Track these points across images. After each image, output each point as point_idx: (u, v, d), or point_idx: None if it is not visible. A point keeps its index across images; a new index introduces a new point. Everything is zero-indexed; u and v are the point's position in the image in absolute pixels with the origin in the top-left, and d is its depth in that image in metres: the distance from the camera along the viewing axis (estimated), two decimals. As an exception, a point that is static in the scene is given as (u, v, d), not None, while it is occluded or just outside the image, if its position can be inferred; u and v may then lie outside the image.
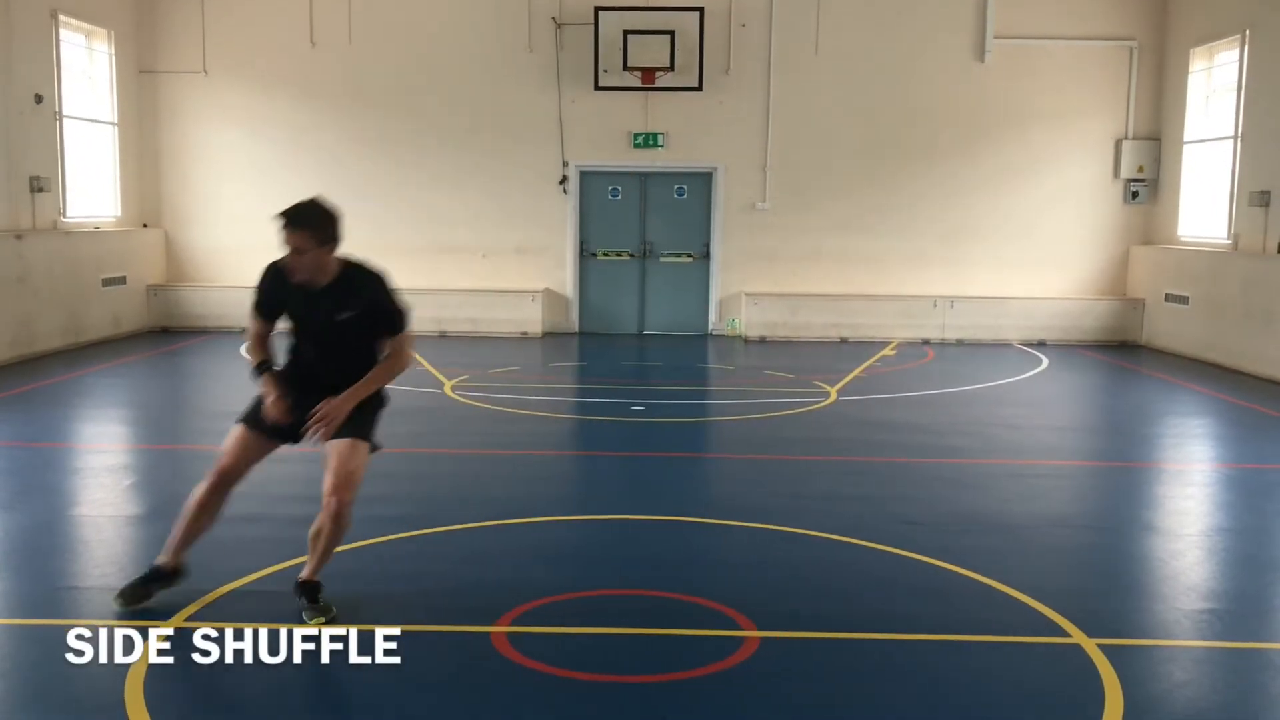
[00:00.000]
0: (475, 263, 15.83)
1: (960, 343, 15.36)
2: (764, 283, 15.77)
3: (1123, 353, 14.71)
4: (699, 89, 14.97)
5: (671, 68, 14.78)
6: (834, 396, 10.91)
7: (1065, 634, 4.82)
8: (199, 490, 4.98)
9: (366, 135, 15.67)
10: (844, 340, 15.33)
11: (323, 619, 4.76)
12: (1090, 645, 4.68)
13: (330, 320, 4.86)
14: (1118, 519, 6.97)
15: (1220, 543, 6.39)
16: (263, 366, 5.00)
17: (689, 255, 15.99)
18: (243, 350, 5.02)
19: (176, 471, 7.86)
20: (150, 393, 11.55)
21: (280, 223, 4.72)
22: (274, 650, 4.59)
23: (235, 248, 15.86)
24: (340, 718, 4.01)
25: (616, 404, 10.46)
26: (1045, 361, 13.76)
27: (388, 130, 15.67)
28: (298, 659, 4.51)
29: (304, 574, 4.93)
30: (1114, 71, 15.49)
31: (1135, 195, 15.59)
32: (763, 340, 15.37)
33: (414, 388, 11.13)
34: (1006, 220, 15.75)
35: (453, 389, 11.02)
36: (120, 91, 15.17)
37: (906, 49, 15.48)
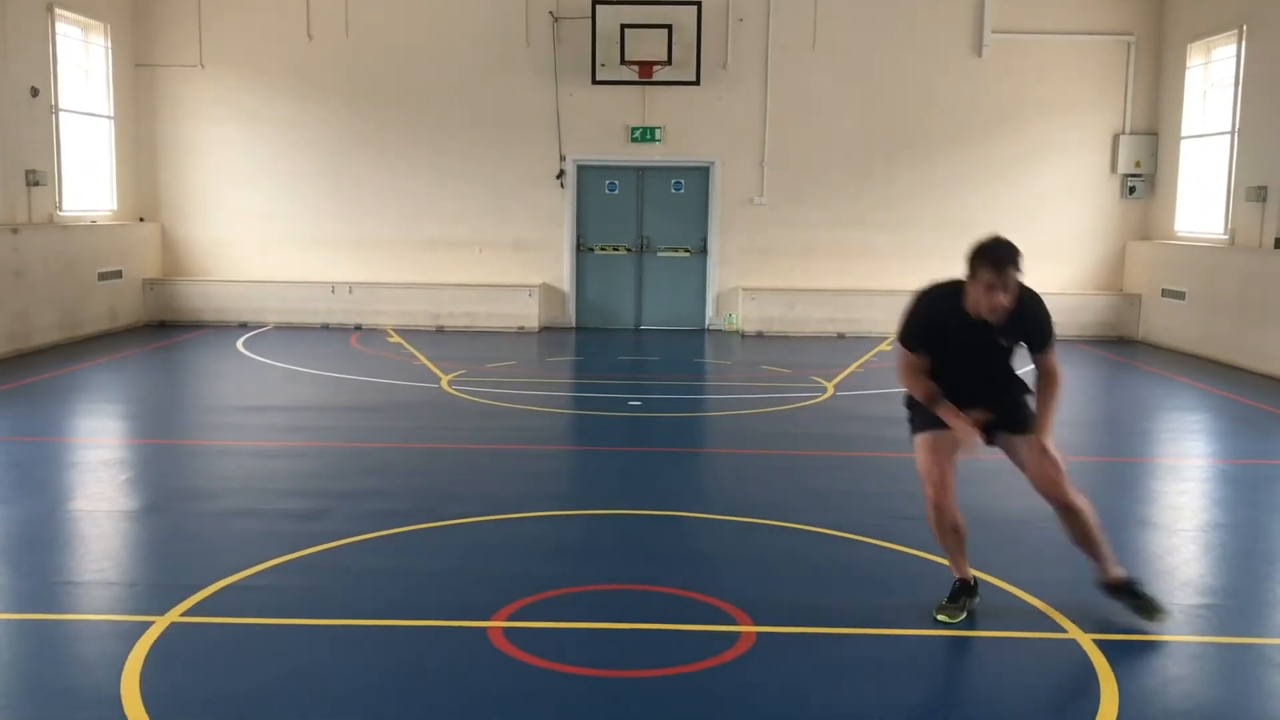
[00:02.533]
0: (472, 257, 15.83)
1: (957, 337, 15.35)
2: (761, 277, 15.77)
3: (1119, 348, 14.72)
4: (696, 83, 14.95)
5: (669, 62, 14.76)
6: (831, 391, 10.92)
7: (1060, 629, 4.83)
8: (931, 519, 4.92)
9: (363, 129, 15.65)
10: (841, 335, 15.33)
11: (1160, 613, 4.80)
12: (1085, 640, 4.69)
13: (995, 345, 4.80)
14: (1113, 514, 6.96)
15: (1215, 538, 6.41)
16: (937, 396, 4.81)
17: (686, 250, 15.99)
18: (900, 384, 4.85)
19: (173, 466, 7.87)
20: (147, 387, 11.54)
21: (993, 262, 4.56)
22: (270, 646, 4.61)
23: (232, 241, 15.87)
24: (336, 713, 4.01)
25: (613, 399, 10.47)
26: (1042, 356, 13.74)
27: (384, 124, 15.65)
28: (294, 656, 4.52)
29: (1108, 576, 4.92)
30: (1111, 66, 15.49)
31: (1132, 190, 15.59)
32: (760, 335, 15.37)
33: (411, 382, 11.14)
34: (1003, 215, 15.70)
35: (449, 384, 11.02)
36: (116, 85, 15.14)
37: (904, 43, 15.47)
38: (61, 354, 12.67)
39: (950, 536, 4.94)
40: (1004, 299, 4.57)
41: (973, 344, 4.79)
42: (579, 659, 4.47)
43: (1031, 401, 4.93)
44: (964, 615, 4.90)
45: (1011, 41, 15.40)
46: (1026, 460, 4.85)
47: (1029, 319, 4.76)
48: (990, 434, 4.93)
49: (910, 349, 4.86)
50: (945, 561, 5.17)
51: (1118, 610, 5.15)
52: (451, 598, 5.11)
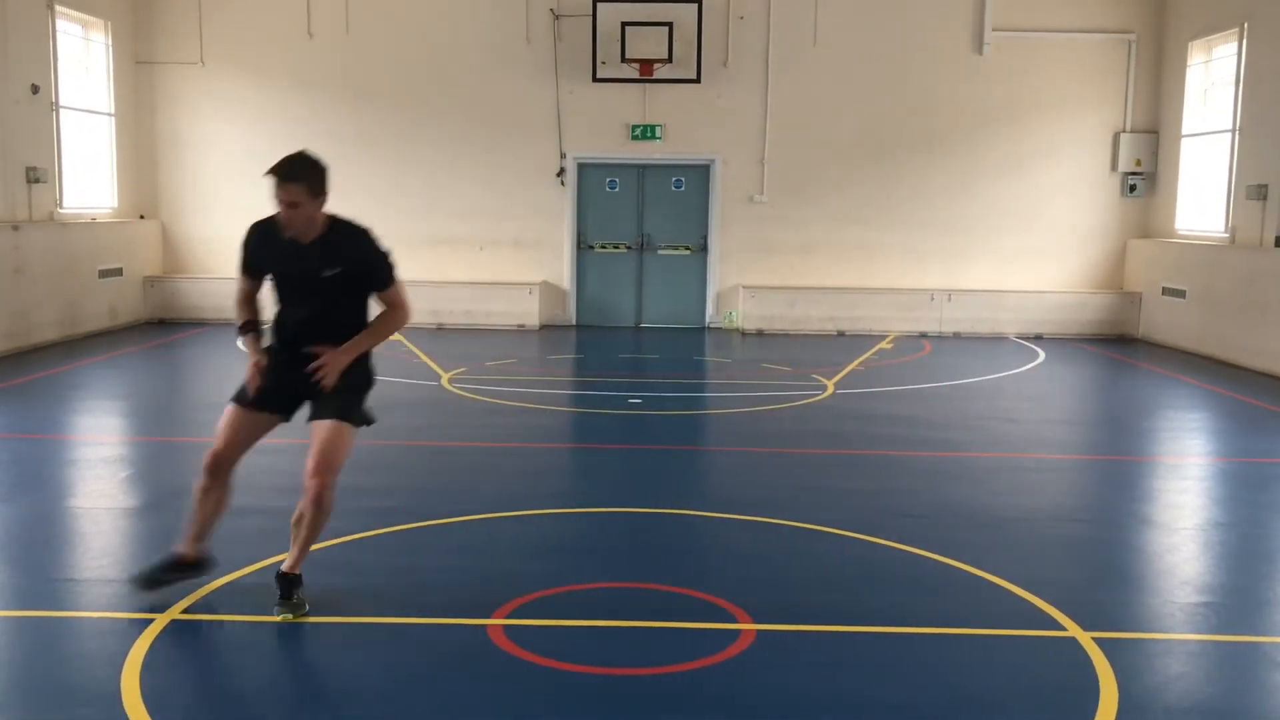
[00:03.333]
0: (473, 255, 15.83)
1: (957, 336, 15.37)
2: (761, 275, 15.76)
3: (1120, 346, 14.72)
4: (697, 81, 14.95)
5: (669, 60, 14.76)
6: (831, 389, 10.92)
7: (1061, 627, 4.83)
8: (198, 478, 4.94)
9: (363, 127, 15.64)
10: (841, 333, 15.33)
11: (290, 615, 4.72)
12: (1085, 639, 4.69)
13: (317, 275, 4.77)
14: (1113, 512, 6.98)
15: (1216, 536, 6.41)
16: (247, 326, 4.94)
17: (686, 248, 15.98)
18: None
19: (173, 463, 7.86)
20: (147, 384, 11.54)
21: (272, 177, 4.68)
22: (270, 643, 4.60)
23: (232, 239, 15.60)
24: (335, 710, 4.01)
25: (613, 397, 10.46)
26: (1042, 355, 13.77)
27: (385, 122, 15.65)
28: (293, 652, 4.52)
29: (285, 565, 4.86)
30: (1112, 64, 15.48)
31: (1133, 188, 15.59)
32: (760, 333, 15.37)
33: (411, 380, 11.14)
34: (1004, 213, 15.75)
35: (450, 382, 11.01)
36: (117, 82, 15.14)
37: (905, 41, 15.47)
38: (62, 351, 12.67)
39: (210, 506, 4.92)
40: (290, 214, 4.67)
41: (295, 272, 4.82)
42: (579, 657, 4.46)
43: (360, 387, 4.92)
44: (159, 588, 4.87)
45: (1012, 39, 15.39)
46: (314, 439, 4.76)
47: (350, 249, 4.81)
48: (295, 407, 4.93)
49: (240, 274, 4.97)
50: (946, 559, 5.17)
51: (1118, 609, 5.16)
52: (452, 595, 5.11)
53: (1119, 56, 15.47)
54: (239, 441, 4.91)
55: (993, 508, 6.91)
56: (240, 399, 4.90)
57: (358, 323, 4.90)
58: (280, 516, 6.31)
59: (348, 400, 4.83)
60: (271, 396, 4.85)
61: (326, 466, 4.71)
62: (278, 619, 4.72)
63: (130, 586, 4.95)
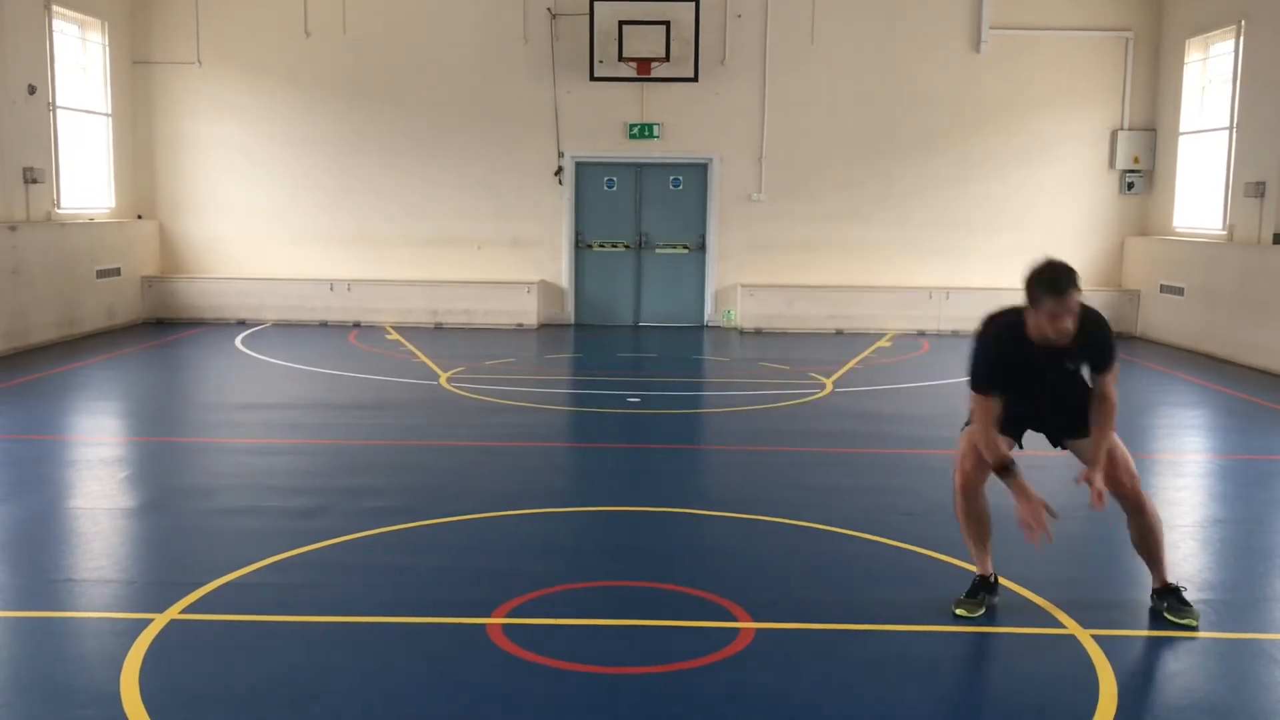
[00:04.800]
0: (470, 254, 15.82)
1: (956, 334, 15.36)
2: (759, 274, 15.77)
3: (1118, 343, 14.70)
4: (695, 80, 14.94)
5: (667, 58, 14.75)
6: (829, 388, 10.92)
7: (1060, 624, 4.83)
8: (958, 505, 5.02)
9: (361, 126, 15.64)
10: (839, 331, 15.33)
11: (1193, 622, 4.79)
12: (1084, 636, 4.70)
13: (1058, 370, 4.71)
14: (1112, 510, 6.96)
15: (1214, 533, 6.41)
16: (1010, 468, 4.70)
17: (684, 246, 15.98)
18: (960, 441, 4.93)
19: (171, 464, 7.87)
20: (145, 385, 11.53)
21: (1053, 289, 4.42)
22: (269, 643, 4.61)
23: (230, 238, 15.86)
24: (334, 710, 4.01)
25: (612, 395, 10.46)
26: (1040, 352, 13.75)
27: (382, 121, 15.64)
28: (293, 653, 4.52)
29: (1156, 582, 4.98)
30: (1110, 62, 15.49)
31: (1131, 186, 15.60)
32: (758, 332, 15.37)
33: (410, 380, 11.14)
34: (1002, 211, 15.75)
35: (448, 381, 11.01)
36: (114, 82, 15.13)
37: (902, 39, 15.47)
38: (60, 352, 12.67)
39: (971, 523, 5.01)
40: (1069, 323, 4.48)
41: (1040, 373, 4.70)
42: (578, 655, 4.47)
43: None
44: (981, 611, 4.92)
45: (1010, 37, 15.39)
46: (1097, 455, 4.78)
47: (1093, 340, 4.68)
48: (1056, 439, 5.01)
49: (982, 391, 4.67)
50: (945, 557, 5.18)
51: (1117, 606, 5.16)
52: (450, 594, 5.12)
53: (1117, 54, 15.47)
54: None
55: (992, 506, 6.90)
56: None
57: (1082, 390, 4.88)
58: (280, 516, 6.33)
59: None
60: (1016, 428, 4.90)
61: (1129, 473, 4.86)
62: (1182, 624, 4.80)
63: (957, 611, 4.91)
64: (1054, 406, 4.85)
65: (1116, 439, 4.83)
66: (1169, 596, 4.92)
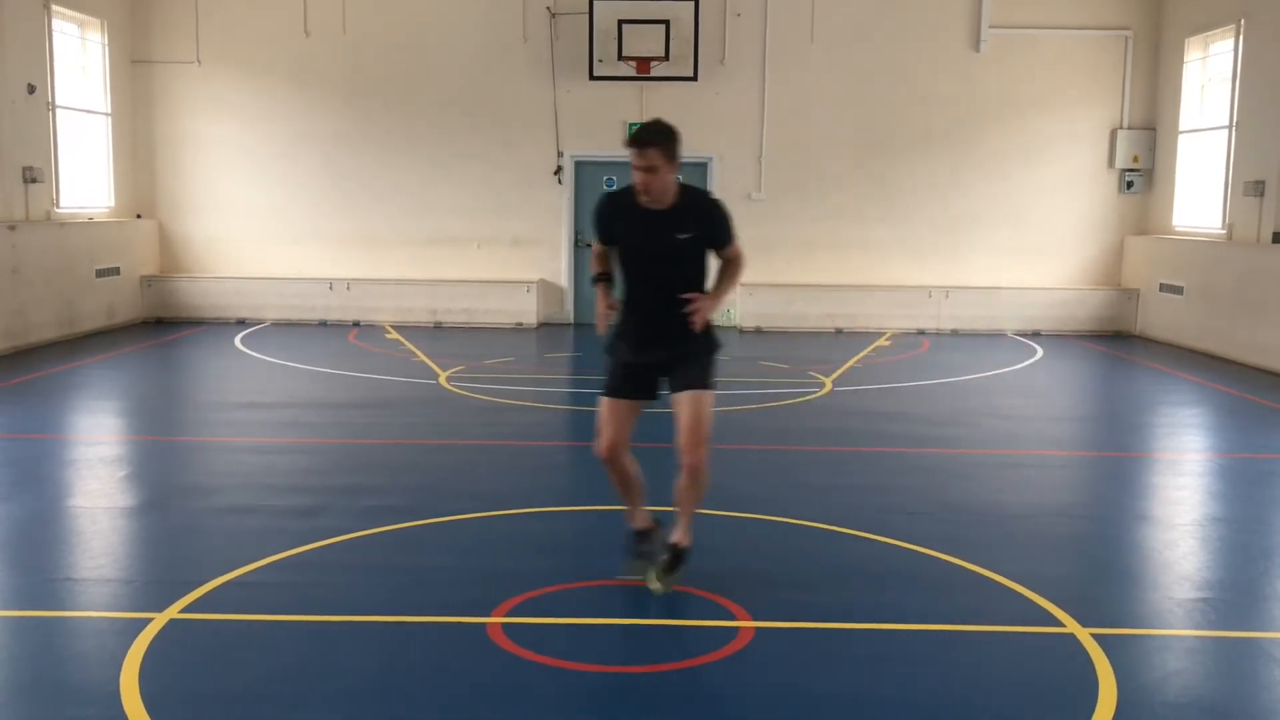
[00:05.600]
0: (470, 253, 15.82)
1: (955, 333, 15.38)
2: (759, 273, 15.69)
3: (1117, 343, 14.73)
4: (694, 79, 14.94)
5: (666, 57, 14.75)
6: (829, 387, 10.92)
7: (1059, 623, 4.83)
8: (610, 472, 5.17)
9: (360, 125, 15.64)
10: (839, 331, 15.33)
11: (660, 587, 4.98)
12: (1084, 635, 4.70)
13: (673, 240, 4.90)
14: (1112, 508, 6.99)
15: (1214, 532, 6.41)
16: (601, 276, 5.07)
17: (684, 245, 15.95)
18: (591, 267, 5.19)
19: (171, 463, 7.87)
20: (145, 384, 11.53)
21: (633, 143, 4.74)
22: (268, 642, 4.61)
23: (229, 238, 15.85)
24: (333, 710, 4.01)
25: (612, 394, 10.44)
26: (1040, 352, 13.78)
27: (382, 120, 15.64)
28: (293, 652, 4.52)
29: (675, 536, 5.12)
30: (1109, 61, 15.49)
31: (1130, 185, 15.60)
32: (758, 331, 15.37)
33: (409, 379, 11.14)
34: (1001, 210, 15.76)
35: (448, 380, 11.01)
36: (113, 81, 15.12)
37: (902, 38, 15.47)
38: (59, 351, 12.66)
39: (622, 484, 5.21)
40: (652, 180, 4.74)
41: (648, 239, 4.92)
42: (577, 655, 4.47)
43: (709, 355, 5.08)
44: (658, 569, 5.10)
45: (1009, 36, 15.39)
46: (680, 413, 4.96)
47: (702, 214, 4.95)
48: (656, 386, 5.12)
49: (601, 241, 5.08)
50: (945, 555, 5.17)
51: (1117, 605, 5.16)
52: (450, 593, 5.11)
53: (1116, 53, 15.48)
54: (621, 428, 5.09)
55: (991, 504, 6.91)
56: (610, 393, 5.09)
57: (701, 284, 5.04)
58: (279, 515, 6.33)
59: (703, 366, 5.02)
60: (633, 382, 5.07)
61: (700, 438, 4.93)
62: (656, 585, 4.99)
63: (627, 575, 5.16)
64: (665, 286, 4.95)
65: (707, 406, 4.98)
66: (671, 551, 5.08)
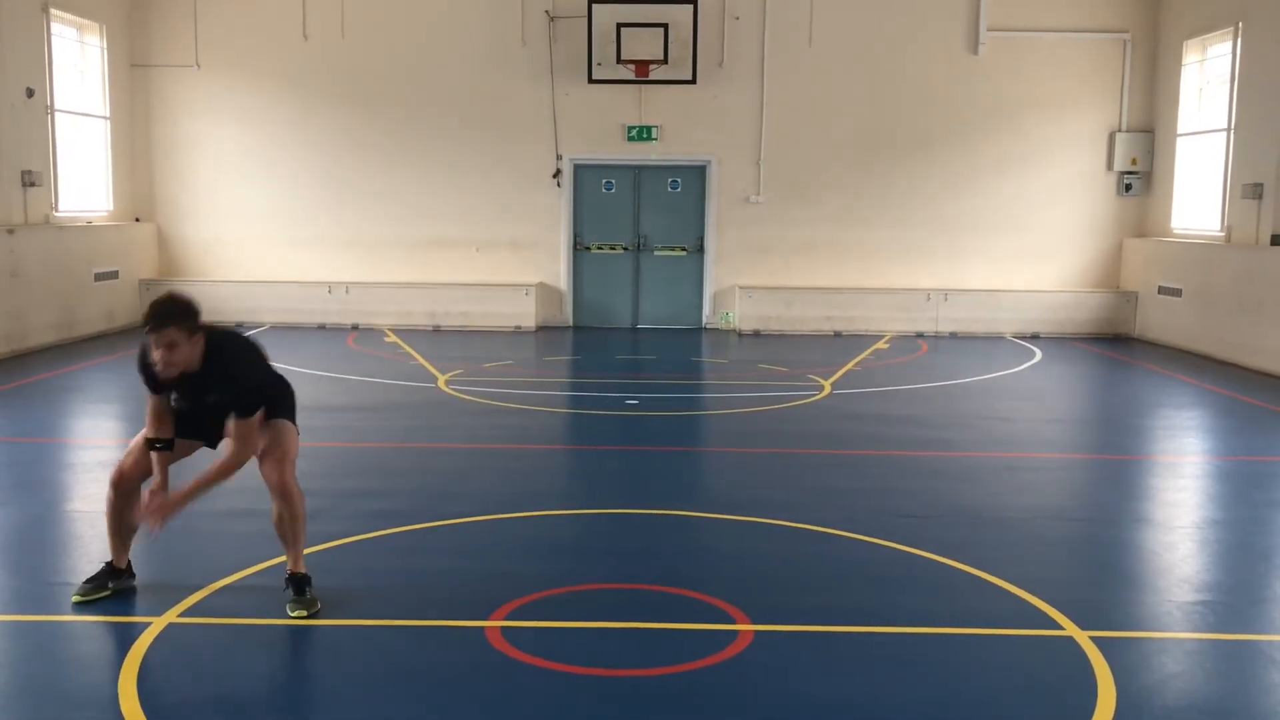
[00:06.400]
0: (469, 257, 15.82)
1: (954, 335, 15.38)
2: (758, 276, 15.77)
3: (1116, 345, 14.73)
4: (693, 82, 14.95)
5: (665, 60, 14.76)
6: (828, 390, 10.92)
7: (1058, 626, 4.83)
8: (108, 499, 5.06)
9: (359, 129, 15.64)
10: (838, 333, 15.34)
11: (305, 612, 4.83)
12: (1083, 637, 4.69)
13: (201, 402, 4.87)
14: (1111, 511, 6.99)
15: (1213, 535, 6.41)
16: (152, 444, 4.94)
17: (683, 249, 15.98)
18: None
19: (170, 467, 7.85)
20: (144, 387, 11.50)
21: (147, 325, 4.61)
22: (267, 646, 4.60)
23: (228, 241, 15.85)
24: (332, 714, 4.01)
25: (610, 398, 10.46)
26: (1039, 354, 13.78)
27: (380, 124, 15.64)
28: (291, 656, 4.52)
29: (290, 566, 5.01)
30: (1107, 64, 15.50)
31: (1128, 188, 15.61)
32: (757, 333, 15.37)
33: (408, 382, 11.13)
34: (1000, 213, 15.76)
35: (446, 383, 11.01)
36: (112, 85, 15.12)
37: (900, 41, 15.48)
38: (58, 354, 12.66)
39: (117, 522, 5.07)
40: (165, 355, 4.62)
41: (182, 397, 4.89)
42: (576, 658, 4.46)
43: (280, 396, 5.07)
44: (105, 594, 5.03)
45: (1007, 39, 15.41)
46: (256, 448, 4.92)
47: (223, 373, 4.78)
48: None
49: (148, 388, 4.93)
50: (943, 558, 5.15)
51: (1116, 607, 5.16)
52: (449, 597, 5.11)
53: (1114, 56, 15.49)
54: (144, 470, 5.02)
55: (990, 507, 6.91)
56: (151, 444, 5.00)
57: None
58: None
59: (255, 402, 4.88)
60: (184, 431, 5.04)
61: (283, 463, 4.94)
62: (293, 618, 4.80)
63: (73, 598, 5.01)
64: (208, 422, 4.97)
65: (288, 435, 4.99)
66: (294, 584, 4.96)
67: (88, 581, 5.07)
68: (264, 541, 5.81)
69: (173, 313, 4.63)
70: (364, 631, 4.74)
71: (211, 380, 4.79)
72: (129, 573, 5.18)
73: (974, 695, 4.21)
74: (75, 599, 4.99)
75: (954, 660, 4.55)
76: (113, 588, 5.08)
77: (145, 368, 4.84)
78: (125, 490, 5.03)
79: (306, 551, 5.09)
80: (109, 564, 5.14)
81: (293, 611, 4.83)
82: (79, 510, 6.61)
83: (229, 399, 4.81)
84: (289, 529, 4.97)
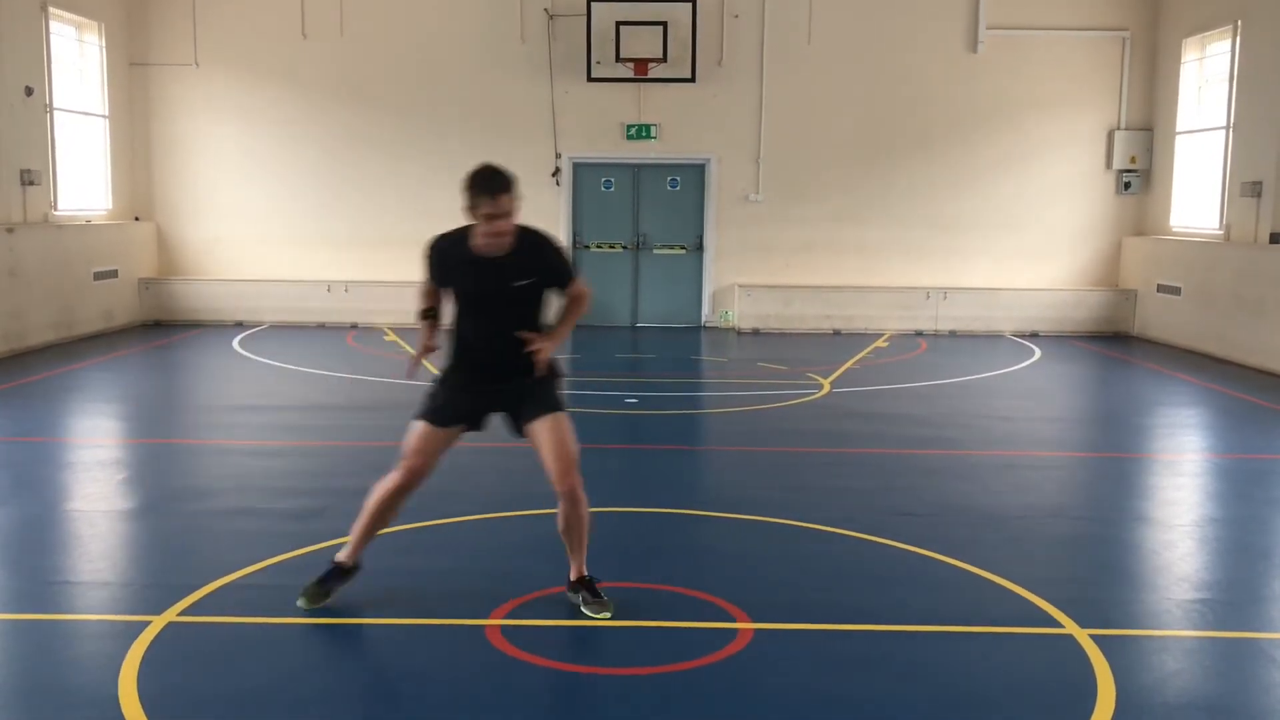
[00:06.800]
0: (468, 255, 15.79)
1: (953, 334, 15.38)
2: (757, 274, 15.77)
3: (1115, 343, 14.74)
4: (692, 80, 14.95)
5: (664, 59, 14.76)
6: (827, 388, 10.92)
7: (1058, 624, 4.83)
8: (384, 488, 4.91)
9: (358, 127, 15.64)
10: (837, 332, 15.34)
11: (609, 613, 4.78)
12: (1083, 636, 4.70)
13: (508, 287, 4.71)
14: (1110, 509, 7.00)
15: (1212, 533, 6.41)
16: (428, 313, 4.95)
17: (682, 247, 15.98)
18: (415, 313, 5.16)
19: (169, 466, 7.86)
20: (143, 387, 11.52)
21: (480, 189, 4.55)
22: (267, 645, 4.60)
23: (227, 240, 15.85)
24: (332, 712, 4.01)
25: (609, 396, 10.46)
26: (1038, 353, 13.78)
27: (379, 122, 15.64)
28: (291, 655, 4.52)
29: (573, 573, 4.94)
30: (1106, 62, 15.50)
31: (1128, 186, 15.61)
32: (756, 332, 15.37)
33: (407, 381, 11.12)
34: (999, 211, 15.77)
35: (446, 382, 10.98)
36: (111, 84, 15.12)
37: (899, 40, 15.48)
38: (57, 354, 12.65)
39: (382, 519, 4.98)
40: (500, 225, 4.57)
41: (482, 287, 4.74)
42: (576, 657, 4.47)
43: (555, 382, 4.92)
44: (326, 600, 4.87)
45: (1007, 37, 15.40)
46: (544, 442, 4.76)
47: (538, 254, 4.78)
48: (514, 422, 4.92)
49: (431, 283, 4.97)
50: (943, 557, 5.15)
51: (1116, 605, 5.16)
52: (448, 596, 5.11)
53: (1113, 54, 15.49)
54: (430, 459, 4.94)
55: (990, 506, 6.91)
56: (429, 417, 4.90)
57: (537, 324, 4.87)
58: (280, 518, 6.33)
59: (550, 391, 4.85)
60: (460, 412, 4.90)
61: (570, 463, 4.74)
62: (597, 620, 4.75)
63: (300, 603, 4.85)
64: (499, 333, 4.76)
65: (569, 429, 4.79)
66: (587, 587, 4.90)
67: (318, 584, 4.87)
68: (264, 541, 5.83)
69: (510, 180, 4.55)
70: (364, 630, 4.74)
71: (524, 259, 4.68)
72: (358, 570, 4.99)
73: (974, 694, 4.22)
74: (301, 604, 4.81)
75: (953, 658, 4.55)
76: (335, 589, 4.89)
77: (439, 253, 4.81)
78: (411, 487, 4.91)
79: (309, 550, 5.10)
80: (338, 564, 4.94)
81: (596, 614, 4.77)
82: (79, 509, 6.61)
83: (548, 275, 4.75)
84: (576, 532, 4.87)
